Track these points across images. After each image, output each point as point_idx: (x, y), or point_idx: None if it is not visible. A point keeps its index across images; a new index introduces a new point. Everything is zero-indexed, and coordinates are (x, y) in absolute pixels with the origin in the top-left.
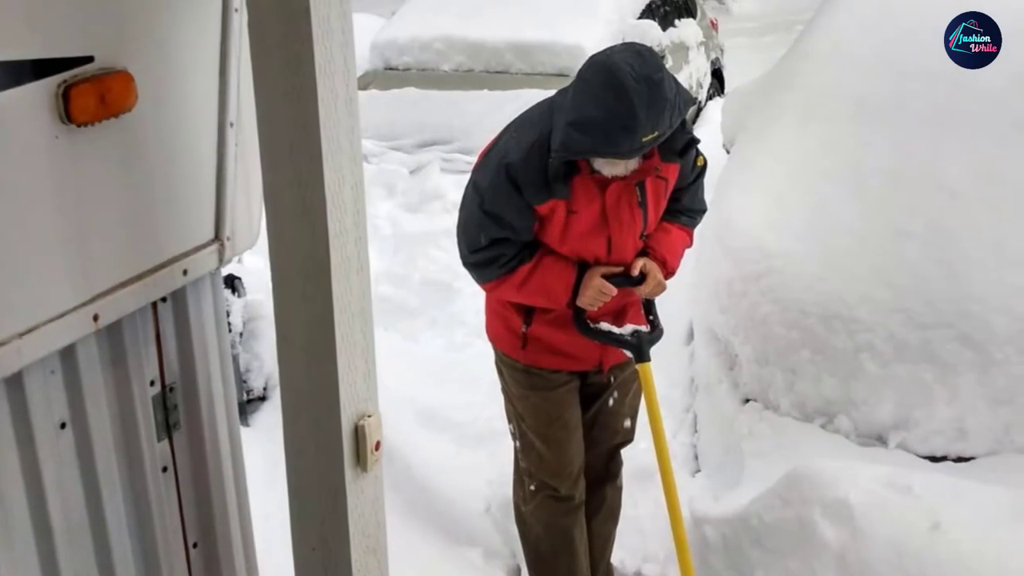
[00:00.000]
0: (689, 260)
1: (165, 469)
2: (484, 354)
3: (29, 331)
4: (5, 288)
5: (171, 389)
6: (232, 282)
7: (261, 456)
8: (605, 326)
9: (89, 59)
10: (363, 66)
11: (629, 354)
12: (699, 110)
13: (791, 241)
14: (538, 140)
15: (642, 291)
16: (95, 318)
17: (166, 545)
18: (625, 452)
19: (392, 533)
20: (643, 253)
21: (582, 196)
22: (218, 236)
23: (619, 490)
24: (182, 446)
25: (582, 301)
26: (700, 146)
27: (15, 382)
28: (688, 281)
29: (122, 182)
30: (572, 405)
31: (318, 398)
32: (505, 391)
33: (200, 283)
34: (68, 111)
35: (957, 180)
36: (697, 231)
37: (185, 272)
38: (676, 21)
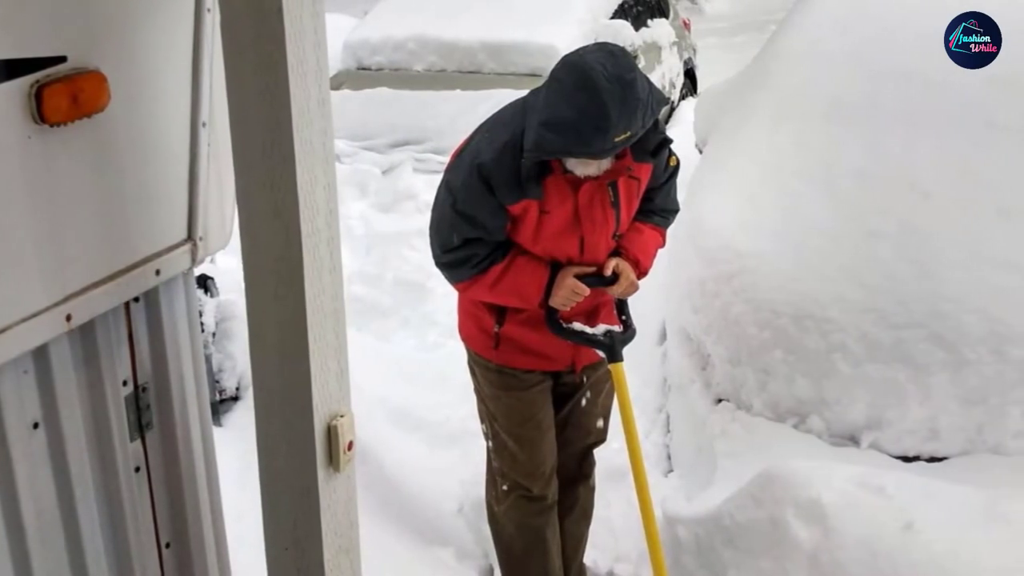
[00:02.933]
0: (662, 260)
1: (138, 469)
2: (456, 354)
3: (1, 331)
4: None
5: (144, 389)
6: (205, 282)
7: (234, 456)
8: (578, 326)
9: (62, 59)
10: (336, 66)
11: (602, 354)
12: (672, 110)
13: (764, 241)
14: (510, 140)
15: (615, 291)
16: (68, 318)
17: (138, 545)
18: (598, 452)
19: (365, 533)
20: (616, 253)
21: (555, 196)
22: (191, 236)
23: (592, 490)
24: (155, 446)
25: (555, 301)
26: (673, 146)
27: None
28: (661, 281)
29: (95, 182)
30: (545, 405)
31: (291, 398)
32: (477, 391)
33: (173, 283)
34: (41, 111)
35: (930, 180)
36: (670, 231)
37: (158, 272)
38: (649, 21)
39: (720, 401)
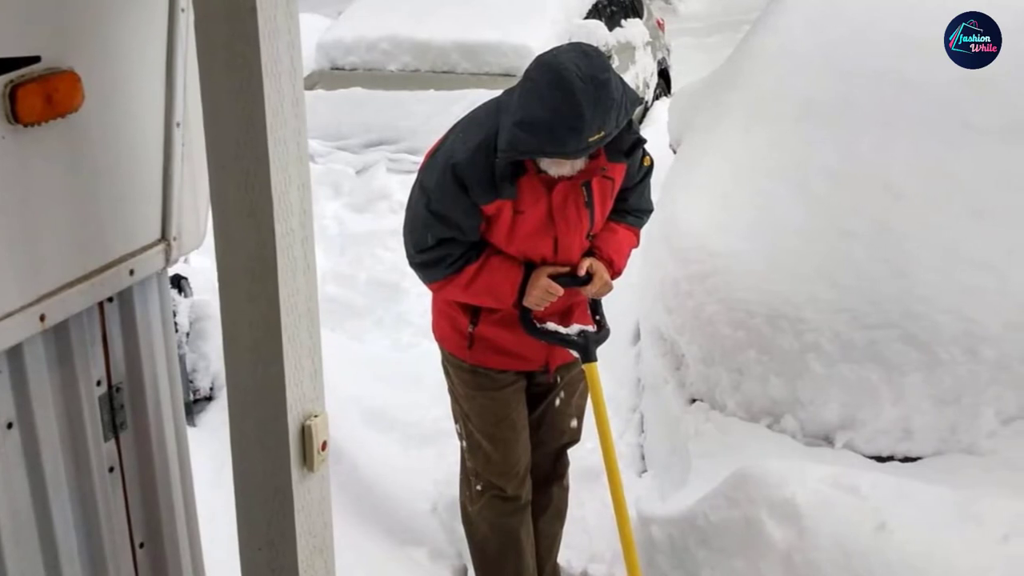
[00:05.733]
0: (635, 260)
1: (112, 469)
2: (430, 354)
3: None
4: None
5: (118, 389)
6: (179, 282)
7: (208, 456)
8: (552, 326)
9: (35, 59)
10: (309, 66)
11: (576, 354)
12: (646, 110)
13: (737, 241)
14: (484, 140)
15: (589, 291)
16: (42, 318)
17: (112, 545)
18: (572, 452)
19: (339, 533)
20: (590, 253)
21: (528, 196)
22: (165, 236)
23: (566, 490)
24: (129, 446)
25: (528, 301)
26: (647, 146)
27: None
28: (634, 281)
29: (69, 182)
30: (518, 405)
31: (265, 398)
32: (451, 391)
33: (147, 283)
34: (14, 111)
35: (903, 180)
36: (643, 231)
37: (132, 272)
38: (622, 21)
39: (694, 401)
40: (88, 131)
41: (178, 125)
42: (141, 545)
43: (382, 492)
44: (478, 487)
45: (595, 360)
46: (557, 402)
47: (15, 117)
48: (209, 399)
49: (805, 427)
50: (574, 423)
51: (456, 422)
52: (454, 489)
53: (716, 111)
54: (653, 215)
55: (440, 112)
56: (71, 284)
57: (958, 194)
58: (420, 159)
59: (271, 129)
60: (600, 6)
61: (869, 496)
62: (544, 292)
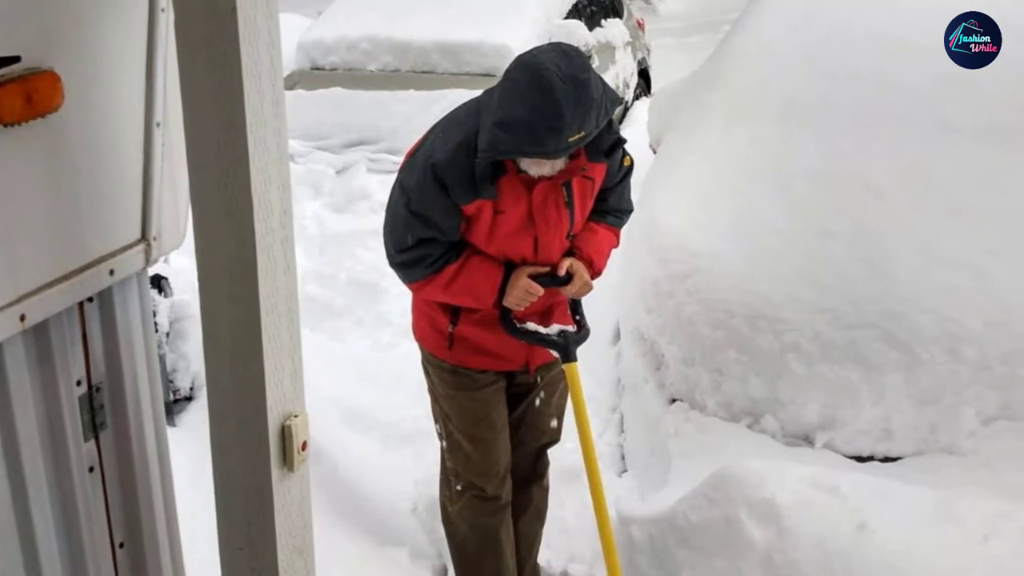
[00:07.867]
0: (615, 260)
1: (92, 469)
2: (411, 354)
3: None
4: None
5: (98, 389)
6: (159, 282)
7: (187, 456)
8: (532, 326)
9: (15, 59)
10: (289, 66)
11: (556, 354)
12: (625, 110)
13: (717, 241)
14: (464, 140)
15: (569, 291)
16: (22, 318)
17: (92, 545)
18: (552, 452)
19: (318, 533)
20: (570, 253)
21: (508, 196)
22: (144, 236)
23: (546, 490)
24: (109, 446)
25: (508, 301)
26: (627, 146)
27: None
28: (614, 281)
29: (49, 182)
30: (498, 405)
31: (245, 398)
32: (431, 391)
33: (127, 283)
34: None
35: (883, 180)
36: (623, 231)
37: (112, 272)
38: (602, 21)
39: (674, 401)
40: (68, 131)
41: (158, 125)
42: (121, 545)
43: (362, 492)
44: (458, 487)
45: (575, 360)
46: (537, 402)
47: None
48: (189, 399)
49: (785, 427)
50: (554, 423)
51: (436, 422)
52: (434, 489)
53: (696, 111)
54: (633, 215)
55: (420, 112)
56: (51, 284)
57: (938, 194)
58: (400, 159)
59: (251, 129)
60: (580, 6)
61: (849, 496)
62: (524, 292)
